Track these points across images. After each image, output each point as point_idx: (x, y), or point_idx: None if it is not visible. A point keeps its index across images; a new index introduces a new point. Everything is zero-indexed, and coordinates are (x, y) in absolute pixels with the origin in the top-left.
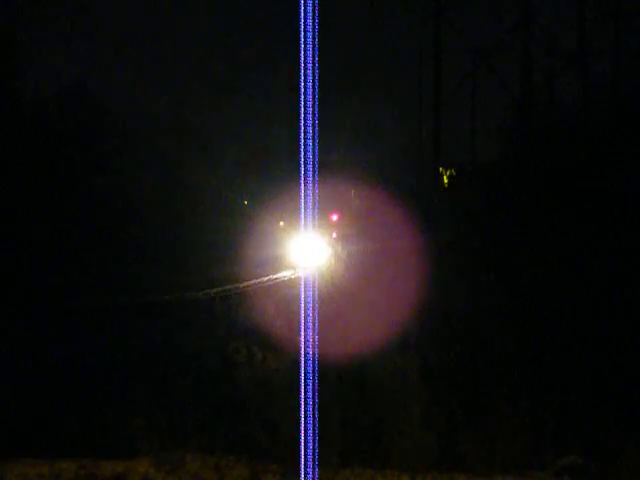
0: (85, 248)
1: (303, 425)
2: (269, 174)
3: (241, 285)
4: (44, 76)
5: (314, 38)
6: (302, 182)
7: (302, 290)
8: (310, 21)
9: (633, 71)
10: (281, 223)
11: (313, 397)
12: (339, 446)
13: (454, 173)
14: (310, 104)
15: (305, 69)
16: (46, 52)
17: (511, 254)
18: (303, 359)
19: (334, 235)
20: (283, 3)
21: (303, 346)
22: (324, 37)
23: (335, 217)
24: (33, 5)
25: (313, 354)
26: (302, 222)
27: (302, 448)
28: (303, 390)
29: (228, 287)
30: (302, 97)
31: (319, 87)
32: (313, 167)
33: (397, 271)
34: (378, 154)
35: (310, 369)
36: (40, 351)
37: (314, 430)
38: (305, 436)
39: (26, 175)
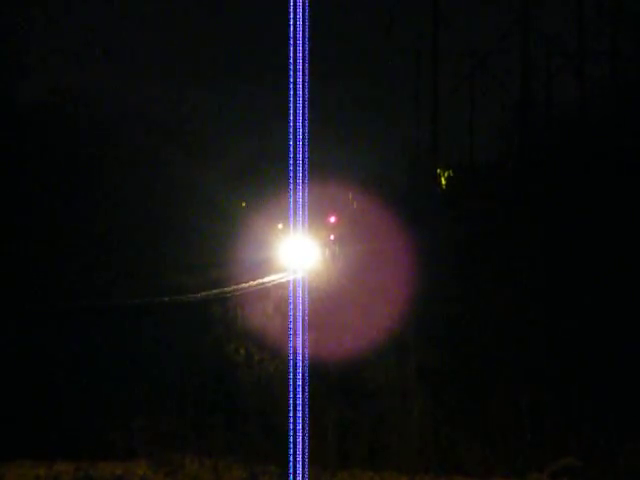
0: (82, 250)
1: (292, 427)
2: (267, 176)
3: (239, 287)
4: (40, 78)
5: (304, 38)
6: (292, 184)
7: (291, 292)
8: (300, 21)
9: (631, 72)
10: (279, 225)
11: (303, 398)
12: (337, 448)
13: (452, 174)
14: (300, 104)
15: (295, 69)
16: (42, 55)
17: (510, 254)
18: (292, 361)
19: (332, 237)
20: (276, 6)
21: (293, 347)
22: (321, 37)
23: (333, 219)
24: (29, 9)
25: (303, 355)
26: (297, 224)
27: (292, 450)
28: (293, 391)
29: (227, 289)
30: (292, 98)
31: (316, 88)
32: (303, 169)
33: (394, 272)
34: (376, 156)
35: (300, 370)
36: (39, 352)
37: (304, 431)
38: (295, 438)
39: (22, 178)
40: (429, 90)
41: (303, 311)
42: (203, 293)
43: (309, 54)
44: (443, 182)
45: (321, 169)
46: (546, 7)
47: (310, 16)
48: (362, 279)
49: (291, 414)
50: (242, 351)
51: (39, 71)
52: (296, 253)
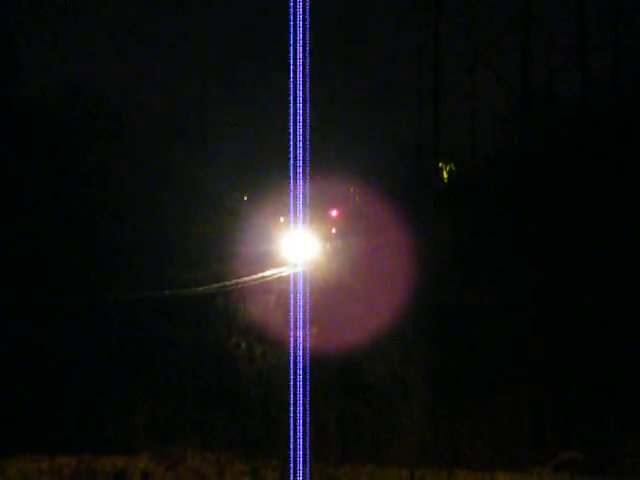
0: (84, 245)
1: (293, 420)
2: (268, 170)
3: (241, 280)
4: (41, 75)
5: (304, 32)
6: (293, 178)
7: (291, 286)
8: (301, 16)
9: (631, 66)
10: (282, 219)
11: (304, 392)
12: (339, 442)
13: (453, 168)
14: (301, 98)
15: (296, 63)
16: (44, 51)
17: (510, 249)
18: (293, 354)
19: (333, 231)
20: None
21: (293, 341)
22: (322, 30)
23: (334, 213)
24: (31, 5)
25: (304, 349)
26: (298, 218)
27: (292, 443)
28: (293, 385)
29: (228, 283)
30: (292, 92)
31: (317, 82)
32: (304, 163)
33: (396, 266)
34: (378, 150)
35: (301, 364)
36: (40, 347)
37: (304, 425)
38: (295, 431)
39: (24, 174)
40: (431, 84)
41: (304, 305)
42: (205, 287)
43: (310, 48)
44: (445, 176)
45: (323, 163)
46: (547, 2)
47: (311, 10)
48: (363, 273)
49: (291, 408)
50: (244, 345)
51: (40, 68)
52: (297, 247)
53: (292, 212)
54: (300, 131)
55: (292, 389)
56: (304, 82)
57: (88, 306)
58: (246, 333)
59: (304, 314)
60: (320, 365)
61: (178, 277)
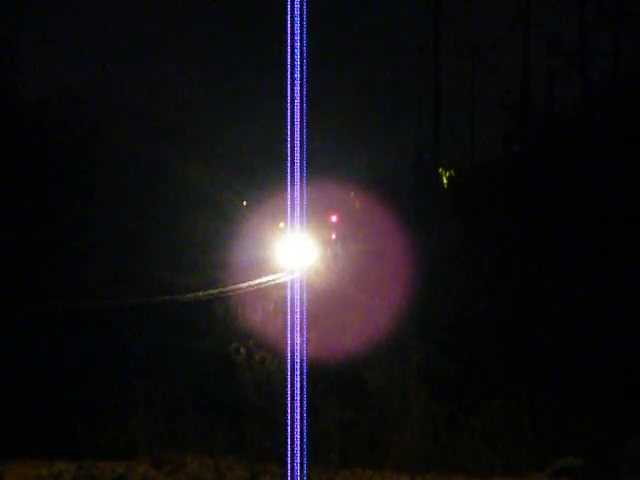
0: (80, 250)
1: (291, 426)
2: (268, 175)
3: (240, 286)
4: (37, 77)
5: (302, 36)
6: (290, 183)
7: (289, 292)
8: (299, 20)
9: (632, 71)
10: (281, 224)
11: (302, 398)
12: (338, 447)
13: (453, 174)
14: (298, 103)
15: (293, 68)
16: (40, 52)
17: (510, 253)
18: (290, 360)
19: (333, 236)
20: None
21: (290, 347)
22: (321, 35)
23: (334, 218)
24: (28, 8)
25: (302, 355)
26: (297, 223)
27: (290, 449)
28: (291, 391)
29: (227, 288)
30: (289, 98)
31: (316, 88)
32: (302, 168)
33: (396, 271)
34: (378, 155)
35: (299, 370)
36: (40, 352)
37: (302, 430)
38: (293, 437)
39: (20, 176)
40: (431, 89)
41: (302, 311)
42: (203, 292)
43: (309, 52)
44: (445, 182)
45: (323, 168)
46: (547, 5)
47: (309, 15)
48: (363, 278)
49: (290, 413)
50: (243, 350)
51: (39, 69)
52: (297, 252)
53: (291, 217)
54: (298, 135)
55: (291, 394)
56: (302, 85)
57: (86, 310)
58: (245, 339)
59: (303, 320)
60: (319, 370)
61: (177, 282)
